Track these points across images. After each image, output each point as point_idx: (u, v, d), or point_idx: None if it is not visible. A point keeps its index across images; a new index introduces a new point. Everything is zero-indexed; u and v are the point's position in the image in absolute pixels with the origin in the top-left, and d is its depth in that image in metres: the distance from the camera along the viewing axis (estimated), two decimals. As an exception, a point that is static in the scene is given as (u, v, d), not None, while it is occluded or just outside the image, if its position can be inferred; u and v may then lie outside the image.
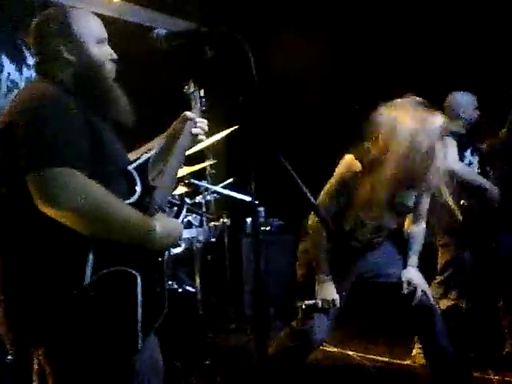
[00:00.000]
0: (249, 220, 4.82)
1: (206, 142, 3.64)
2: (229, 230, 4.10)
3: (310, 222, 2.65)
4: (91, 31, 1.67)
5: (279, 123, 2.46)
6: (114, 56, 1.71)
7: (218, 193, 3.94)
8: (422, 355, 3.40)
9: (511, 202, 3.38)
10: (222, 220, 3.90)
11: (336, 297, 2.58)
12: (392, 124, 2.38)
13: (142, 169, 1.64)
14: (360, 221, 2.58)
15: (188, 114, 1.94)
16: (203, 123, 1.97)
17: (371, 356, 3.69)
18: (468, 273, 3.39)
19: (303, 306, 2.61)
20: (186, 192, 3.79)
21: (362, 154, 2.51)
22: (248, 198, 3.72)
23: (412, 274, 2.67)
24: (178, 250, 3.38)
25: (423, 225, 2.81)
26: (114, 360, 1.50)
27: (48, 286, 1.44)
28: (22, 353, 1.65)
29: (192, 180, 3.61)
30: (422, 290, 2.62)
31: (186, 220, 3.64)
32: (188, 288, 3.62)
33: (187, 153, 3.71)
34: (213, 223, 3.81)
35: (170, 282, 3.37)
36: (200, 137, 1.96)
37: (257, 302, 1.50)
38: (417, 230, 2.78)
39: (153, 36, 1.61)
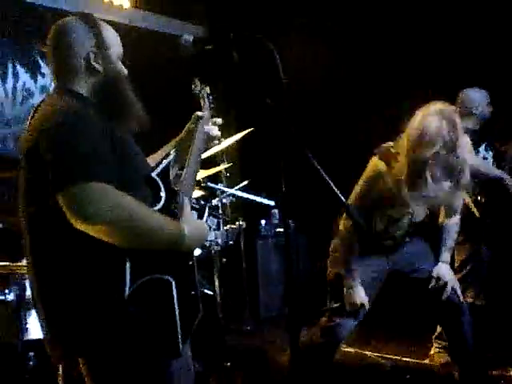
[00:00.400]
0: (263, 222, 4.85)
1: (222, 145, 3.67)
2: (244, 232, 4.12)
3: (341, 227, 2.67)
4: (116, 45, 1.69)
5: (304, 125, 2.48)
6: (126, 72, 1.73)
7: (234, 195, 3.97)
8: (440, 354, 3.44)
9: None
10: (238, 223, 3.93)
11: (365, 300, 2.60)
12: (418, 123, 2.40)
13: (165, 174, 1.67)
14: (393, 219, 2.60)
15: (199, 113, 1.94)
16: (215, 126, 1.96)
17: (388, 355, 3.68)
18: (485, 270, 3.40)
19: (332, 309, 2.64)
20: (202, 195, 3.82)
21: (388, 155, 2.53)
22: (264, 200, 3.75)
23: (443, 270, 2.70)
24: (197, 253, 3.40)
25: (457, 219, 2.81)
26: (156, 366, 1.53)
27: (89, 299, 1.46)
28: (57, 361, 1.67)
29: (208, 183, 3.64)
30: (452, 288, 2.64)
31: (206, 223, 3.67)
32: (206, 291, 3.64)
33: (203, 156, 3.75)
34: (229, 226, 3.84)
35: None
36: (215, 133, 1.95)
37: (289, 302, 1.53)
38: (450, 223, 2.79)
39: (181, 42, 1.64)
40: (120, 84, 1.66)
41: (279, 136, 1.49)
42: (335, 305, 2.63)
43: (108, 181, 1.42)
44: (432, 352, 3.52)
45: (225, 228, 3.75)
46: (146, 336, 1.48)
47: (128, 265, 1.45)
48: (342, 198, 1.52)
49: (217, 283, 3.43)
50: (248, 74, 1.54)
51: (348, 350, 3.83)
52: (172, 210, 1.60)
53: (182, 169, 1.80)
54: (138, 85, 1.74)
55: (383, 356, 3.69)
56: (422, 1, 4.40)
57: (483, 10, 4.07)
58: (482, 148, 3.54)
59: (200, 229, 1.65)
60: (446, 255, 2.74)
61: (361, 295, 2.60)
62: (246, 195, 3.71)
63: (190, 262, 1.67)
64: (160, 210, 1.56)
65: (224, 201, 3.90)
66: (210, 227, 3.55)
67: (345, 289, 2.62)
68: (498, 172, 3.46)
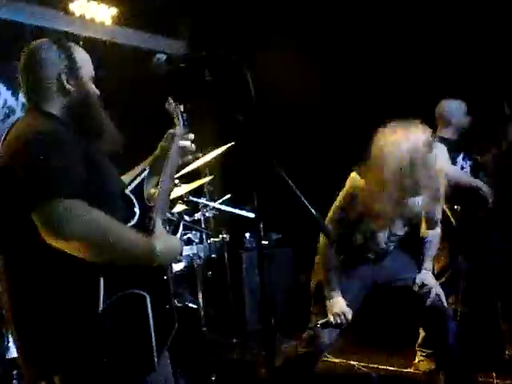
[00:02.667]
0: (248, 235, 4.87)
1: (204, 159, 3.71)
2: (228, 245, 4.13)
3: (320, 241, 2.72)
4: (88, 66, 1.73)
5: (276, 139, 2.51)
6: (98, 93, 1.76)
7: (217, 209, 4.00)
8: (424, 362, 3.47)
9: (505, 205, 3.44)
10: (221, 236, 3.95)
11: (346, 310, 2.63)
12: (384, 147, 2.45)
13: (139, 190, 1.69)
14: (371, 231, 2.65)
15: (171, 131, 1.98)
16: (188, 140, 1.99)
17: (374, 365, 3.70)
18: (463, 277, 3.44)
19: (318, 325, 2.67)
20: (185, 209, 3.84)
21: (365, 171, 2.59)
22: (246, 213, 3.78)
23: (426, 277, 2.74)
24: (179, 267, 3.42)
25: (438, 230, 2.87)
26: (132, 380, 1.53)
27: (63, 316, 1.46)
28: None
29: (190, 197, 3.66)
30: (436, 294, 2.68)
31: (186, 237, 3.69)
32: (190, 304, 3.65)
33: (185, 171, 3.78)
34: (212, 239, 3.86)
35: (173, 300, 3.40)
36: (189, 148, 1.97)
37: (263, 315, 1.55)
38: (432, 234, 2.85)
39: (154, 61, 1.67)
40: (92, 104, 1.69)
41: (250, 151, 1.52)
42: (320, 321, 2.65)
43: (81, 198, 1.44)
44: (416, 361, 3.54)
45: (208, 241, 3.77)
46: (120, 351, 1.48)
47: (102, 280, 1.46)
48: (313, 210, 1.54)
49: (200, 297, 3.44)
50: (220, 91, 1.57)
51: (334, 360, 3.85)
52: (146, 225, 1.62)
53: (157, 185, 1.82)
54: (121, 101, 1.77)
55: (368, 366, 3.70)
56: (401, 13, 4.47)
57: (462, 23, 4.15)
58: (459, 158, 3.59)
59: (172, 244, 1.66)
60: (428, 264, 2.80)
61: (342, 305, 2.63)
62: (228, 209, 3.73)
63: (165, 277, 1.68)
64: (134, 226, 1.57)
65: (207, 214, 3.93)
66: (193, 241, 3.57)
67: (326, 300, 2.66)
68: (474, 181, 3.52)
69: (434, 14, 4.35)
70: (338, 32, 4.76)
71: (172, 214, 3.63)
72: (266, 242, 4.79)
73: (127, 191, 1.65)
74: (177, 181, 3.63)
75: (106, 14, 4.57)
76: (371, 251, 2.73)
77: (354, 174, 2.64)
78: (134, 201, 1.64)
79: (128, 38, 4.94)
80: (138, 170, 1.97)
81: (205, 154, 3.78)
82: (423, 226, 2.88)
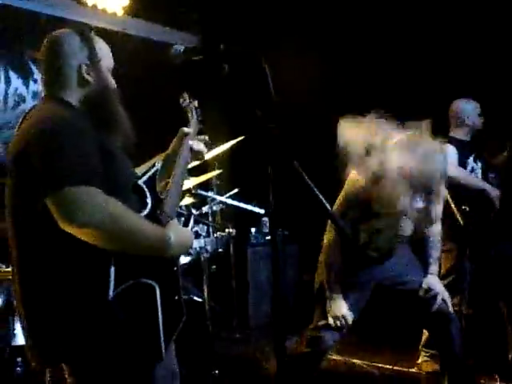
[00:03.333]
0: (253, 230, 4.86)
1: (213, 153, 3.70)
2: (234, 240, 4.13)
3: (325, 241, 2.71)
4: (108, 58, 1.74)
5: (291, 135, 2.51)
6: (115, 85, 1.77)
7: (224, 203, 3.99)
8: (428, 363, 3.47)
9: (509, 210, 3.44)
10: (227, 230, 3.95)
11: (346, 313, 2.61)
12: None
13: (151, 182, 1.70)
14: (374, 229, 2.64)
15: (185, 129, 1.98)
16: (200, 142, 1.99)
17: (377, 364, 3.70)
18: (468, 278, 3.43)
19: (318, 327, 2.66)
20: (192, 202, 3.84)
21: (366, 170, 2.58)
22: (254, 208, 3.77)
23: (432, 281, 2.72)
24: (186, 260, 3.42)
25: (439, 226, 2.84)
26: (139, 370, 1.54)
27: (73, 302, 1.47)
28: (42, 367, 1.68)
29: (199, 190, 3.66)
30: (442, 299, 2.66)
31: (193, 230, 3.69)
32: (195, 298, 3.66)
33: (193, 164, 3.77)
34: (219, 233, 3.86)
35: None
36: (198, 148, 1.96)
37: (275, 309, 1.55)
38: (432, 232, 2.82)
39: (172, 51, 1.67)
40: (109, 97, 1.70)
41: (268, 146, 1.51)
42: (321, 323, 2.64)
43: (96, 185, 1.45)
44: (419, 361, 3.54)
45: (214, 235, 3.77)
46: (129, 339, 1.49)
47: (113, 268, 1.47)
48: (329, 208, 1.54)
49: (206, 290, 3.43)
50: (238, 85, 1.56)
51: (337, 358, 3.85)
52: (157, 216, 1.63)
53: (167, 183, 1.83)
54: (131, 92, 1.77)
55: (371, 364, 3.70)
56: (410, 13, 4.45)
57: (475, 21, 4.13)
58: (470, 159, 3.57)
59: (185, 236, 1.67)
60: (433, 267, 2.77)
61: (342, 308, 2.61)
62: (236, 203, 3.73)
63: (175, 268, 1.69)
64: (146, 216, 1.58)
65: (214, 208, 3.92)
66: (200, 234, 3.57)
67: (327, 301, 2.64)
68: (481, 184, 3.49)
69: (445, 14, 4.32)
70: (349, 31, 4.76)
71: (180, 208, 3.63)
72: (268, 238, 4.79)
73: (140, 182, 1.65)
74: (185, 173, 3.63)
75: (117, 5, 4.55)
76: (376, 250, 2.70)
77: (353, 174, 2.63)
78: (147, 192, 1.64)
79: (139, 29, 4.93)
80: (148, 164, 1.98)
81: (213, 148, 3.78)
82: (424, 226, 2.84)
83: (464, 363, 2.73)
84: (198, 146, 1.96)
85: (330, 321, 2.62)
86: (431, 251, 2.80)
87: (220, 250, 3.76)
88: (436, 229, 2.83)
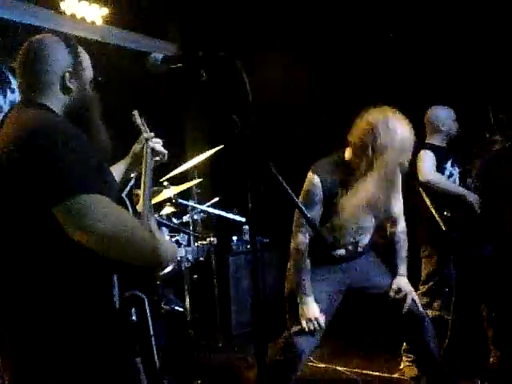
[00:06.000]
0: (235, 238, 4.86)
1: (193, 162, 3.70)
2: (215, 248, 4.12)
3: (292, 245, 2.71)
4: (89, 69, 1.71)
5: (270, 140, 2.53)
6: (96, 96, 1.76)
7: (205, 212, 3.99)
8: (410, 368, 3.48)
9: (489, 213, 3.48)
10: (208, 239, 3.94)
11: (318, 315, 2.62)
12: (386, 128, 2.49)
13: (130, 195, 1.72)
14: (338, 225, 2.64)
15: (145, 135, 2.09)
16: (159, 142, 2.10)
17: (359, 370, 3.70)
18: (452, 283, 3.46)
19: (292, 333, 2.65)
20: (173, 212, 3.83)
21: (325, 167, 2.64)
22: (234, 217, 3.77)
23: (401, 282, 2.73)
24: (167, 270, 3.39)
25: (403, 224, 2.86)
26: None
27: (80, 313, 1.45)
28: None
29: (179, 200, 3.65)
30: (412, 299, 2.68)
31: (174, 239, 3.67)
32: (177, 308, 3.63)
33: (174, 173, 3.77)
34: (200, 242, 3.84)
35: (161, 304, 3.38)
36: (161, 150, 2.09)
37: (255, 319, 1.55)
38: (398, 231, 2.84)
39: (150, 60, 1.66)
40: (90, 108, 1.67)
41: (245, 152, 1.51)
42: (295, 329, 2.63)
43: (103, 193, 1.43)
44: (401, 366, 3.55)
45: (195, 244, 3.76)
46: (126, 350, 1.49)
47: (115, 279, 1.47)
48: (307, 213, 1.55)
49: (187, 300, 3.42)
50: (216, 91, 1.57)
51: (320, 365, 3.85)
52: None
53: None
54: (110, 102, 1.76)
55: (354, 371, 3.70)
56: (390, 19, 4.51)
57: (451, 28, 4.19)
58: (448, 164, 3.61)
59: (171, 246, 1.67)
60: (402, 268, 2.78)
61: (314, 311, 2.61)
62: (216, 211, 3.72)
63: (158, 282, 1.73)
64: None
65: (195, 217, 3.91)
66: (181, 244, 3.56)
67: (299, 306, 2.64)
68: (460, 189, 3.54)
69: (419, 22, 4.39)
70: (328, 34, 4.79)
71: (161, 217, 3.62)
72: (250, 246, 4.78)
73: (123, 195, 1.67)
74: (165, 183, 3.62)
75: (96, 14, 4.54)
76: (341, 246, 2.71)
77: (311, 173, 2.65)
78: (129, 205, 1.63)
79: (118, 38, 4.91)
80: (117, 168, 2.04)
81: (194, 157, 3.78)
82: (388, 224, 2.87)
83: (442, 365, 2.74)
84: (159, 147, 2.08)
85: (304, 324, 2.60)
86: (398, 252, 2.81)
87: (201, 258, 3.75)
88: (400, 227, 2.85)
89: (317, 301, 2.65)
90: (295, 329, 2.64)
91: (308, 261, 2.66)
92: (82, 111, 1.64)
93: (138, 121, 2.19)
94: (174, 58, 1.67)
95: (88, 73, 1.69)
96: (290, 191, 1.55)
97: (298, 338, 2.64)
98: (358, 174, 2.54)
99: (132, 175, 1.99)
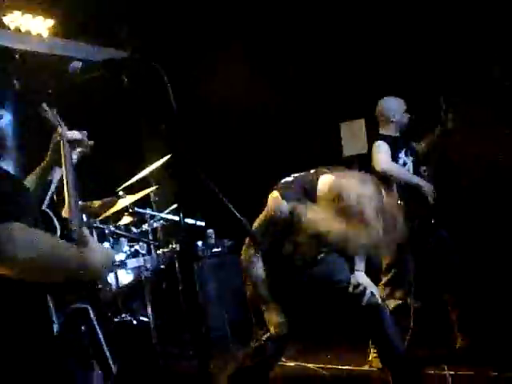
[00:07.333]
0: (200, 243, 4.82)
1: (147, 170, 3.66)
2: (178, 255, 4.08)
3: (243, 257, 2.68)
4: None
5: (208, 146, 2.51)
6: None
7: (165, 219, 3.95)
8: (378, 359, 3.49)
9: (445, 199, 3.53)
10: (170, 246, 3.90)
11: (282, 320, 2.57)
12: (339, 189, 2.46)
13: (52, 204, 1.70)
14: (297, 242, 2.64)
15: (58, 131, 1.94)
16: (75, 132, 1.97)
17: (330, 366, 3.71)
18: (411, 271, 3.49)
19: (262, 342, 2.63)
20: (132, 221, 3.78)
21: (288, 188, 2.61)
22: (196, 222, 3.75)
23: (359, 276, 2.73)
24: (127, 280, 3.36)
25: None
26: None
27: (18, 341, 1.40)
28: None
29: (136, 208, 3.61)
30: (371, 292, 2.68)
31: (133, 249, 3.63)
32: (141, 318, 3.59)
33: (130, 182, 3.71)
34: (162, 250, 3.80)
35: (123, 315, 3.34)
36: (77, 137, 1.95)
37: (193, 324, 1.53)
38: None
39: (69, 69, 1.63)
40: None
41: (175, 158, 1.50)
42: (263, 337, 2.61)
43: (21, 219, 1.36)
44: (370, 358, 3.57)
45: (157, 252, 3.72)
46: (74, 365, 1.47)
47: (50, 300, 1.43)
48: (240, 216, 1.53)
49: (150, 309, 3.37)
50: (140, 98, 1.54)
51: (290, 364, 3.85)
52: (69, 237, 1.60)
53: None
54: (66, 113, 1.73)
55: (324, 367, 3.71)
56: (333, 17, 4.55)
57: (403, 19, 4.24)
58: (402, 153, 3.65)
59: (105, 254, 1.61)
60: (359, 264, 2.79)
61: (278, 317, 2.57)
62: (173, 218, 3.69)
63: (99, 286, 1.68)
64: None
65: (155, 225, 3.87)
66: (139, 253, 3.52)
67: (264, 314, 2.60)
68: (414, 179, 3.58)
69: (365, 15, 4.43)
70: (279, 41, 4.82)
71: (118, 227, 3.57)
72: (219, 249, 4.76)
73: (44, 207, 1.63)
74: (121, 192, 3.58)
75: (42, 27, 4.46)
76: (301, 258, 2.70)
77: (275, 194, 2.62)
78: (52, 215, 1.60)
79: (68, 49, 4.84)
80: (35, 176, 1.95)
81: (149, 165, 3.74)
82: None
83: (404, 357, 2.72)
84: (74, 135, 1.94)
85: (272, 330, 2.58)
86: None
87: (161, 266, 3.71)
88: None
89: (279, 306, 2.60)
90: (262, 335, 2.62)
91: (262, 270, 2.62)
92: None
93: (49, 114, 1.98)
94: (94, 65, 1.63)
95: None
96: (223, 198, 1.53)
97: (266, 344, 2.62)
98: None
99: (53, 182, 1.88)
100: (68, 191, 1.72)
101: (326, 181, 2.58)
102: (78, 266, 1.47)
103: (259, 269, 2.62)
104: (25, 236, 1.35)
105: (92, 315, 1.54)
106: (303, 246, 2.64)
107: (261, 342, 2.65)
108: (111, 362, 1.56)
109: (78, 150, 1.96)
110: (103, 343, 1.54)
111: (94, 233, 3.21)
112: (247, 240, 2.68)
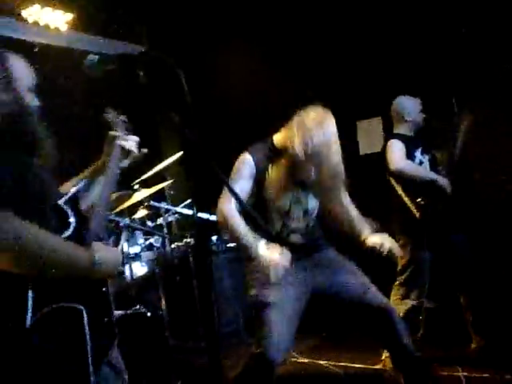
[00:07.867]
0: (214, 238, 4.83)
1: (162, 164, 3.67)
2: (193, 249, 4.09)
3: (219, 218, 2.53)
4: (27, 78, 1.69)
5: (223, 141, 2.51)
6: (38, 104, 1.72)
7: (180, 213, 3.96)
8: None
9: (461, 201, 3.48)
10: (185, 240, 3.91)
11: (280, 255, 2.31)
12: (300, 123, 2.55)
13: (73, 201, 1.66)
14: (282, 211, 2.60)
15: (112, 133, 1.97)
16: (132, 138, 1.99)
17: (343, 363, 3.69)
18: (427, 271, 3.45)
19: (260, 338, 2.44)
20: (147, 215, 3.80)
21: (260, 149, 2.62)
22: (209, 216, 3.74)
23: (373, 237, 2.64)
24: (141, 272, 3.37)
25: (348, 198, 2.78)
26: None
27: None
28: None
29: (151, 202, 3.62)
30: (375, 292, 2.61)
31: (147, 242, 3.65)
32: (155, 311, 3.60)
33: (145, 176, 3.72)
34: (176, 244, 3.82)
35: (137, 306, 3.36)
36: (132, 148, 1.97)
37: (205, 320, 1.52)
38: (343, 204, 2.76)
39: (86, 62, 1.63)
40: (26, 118, 1.64)
41: (186, 150, 1.50)
42: (263, 332, 2.44)
43: (7, 209, 1.39)
44: (383, 357, 3.54)
45: (171, 246, 3.73)
46: (51, 367, 1.43)
47: (30, 294, 1.41)
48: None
49: (163, 302, 3.39)
50: (155, 92, 1.54)
51: (302, 360, 3.84)
52: (83, 235, 1.59)
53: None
54: (78, 106, 1.73)
55: (337, 364, 3.69)
56: (370, 16, 4.51)
57: (419, 20, 4.20)
58: (418, 152, 3.61)
59: (112, 256, 1.62)
60: (365, 230, 2.69)
61: (271, 253, 2.31)
62: (190, 212, 3.70)
63: (104, 289, 1.65)
64: (70, 237, 1.55)
65: (169, 219, 3.88)
66: (154, 246, 3.53)
67: (256, 259, 2.35)
68: (430, 174, 3.54)
69: (384, 14, 4.39)
70: (292, 33, 4.80)
71: (133, 221, 3.59)
72: (234, 244, 4.76)
73: (60, 202, 1.61)
74: (137, 186, 3.59)
75: (61, 20, 4.49)
76: (294, 233, 2.66)
77: (245, 154, 2.60)
78: (69, 211, 1.60)
79: (84, 43, 4.86)
80: (83, 176, 1.97)
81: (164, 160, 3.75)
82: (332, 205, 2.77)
83: (417, 357, 2.66)
84: (129, 144, 1.96)
85: (272, 277, 2.29)
86: (354, 219, 2.73)
87: (176, 260, 3.72)
88: (346, 200, 2.77)
89: (282, 306, 2.47)
90: (262, 334, 2.45)
91: (243, 223, 2.44)
92: (18, 123, 1.61)
93: (111, 117, 2.03)
94: (110, 59, 1.63)
95: (25, 82, 1.67)
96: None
97: (266, 343, 2.42)
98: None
99: (83, 181, 1.89)
100: (102, 192, 1.73)
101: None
102: (77, 263, 1.49)
103: (239, 220, 2.46)
104: (12, 226, 1.36)
105: (85, 318, 1.49)
106: (288, 214, 2.61)
107: (260, 342, 2.44)
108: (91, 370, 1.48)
109: (125, 161, 1.98)
110: (88, 350, 1.47)
111: (124, 233, 3.20)
112: (219, 202, 2.52)
